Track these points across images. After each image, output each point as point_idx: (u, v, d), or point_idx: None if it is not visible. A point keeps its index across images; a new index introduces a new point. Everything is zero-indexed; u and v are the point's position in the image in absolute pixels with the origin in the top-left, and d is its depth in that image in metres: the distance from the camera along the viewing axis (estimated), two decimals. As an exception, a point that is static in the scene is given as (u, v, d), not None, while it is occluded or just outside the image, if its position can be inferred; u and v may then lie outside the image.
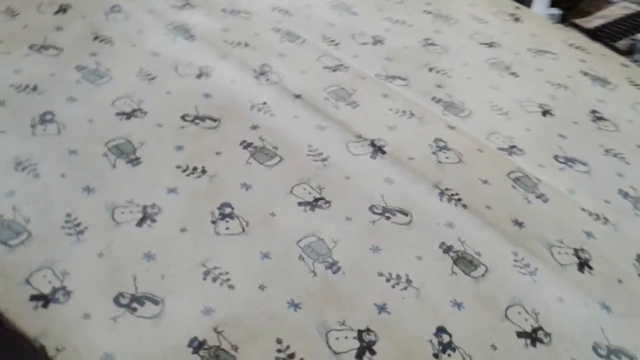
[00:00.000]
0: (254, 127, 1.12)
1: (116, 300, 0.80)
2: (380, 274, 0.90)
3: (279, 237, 0.92)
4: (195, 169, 1.01)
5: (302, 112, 1.17)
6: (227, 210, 0.95)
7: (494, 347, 0.84)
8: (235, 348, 0.77)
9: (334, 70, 1.32)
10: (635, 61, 1.66)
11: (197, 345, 0.77)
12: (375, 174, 1.06)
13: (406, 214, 1.00)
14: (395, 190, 1.04)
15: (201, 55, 1.29)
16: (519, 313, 0.89)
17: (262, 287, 0.85)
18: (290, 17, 1.50)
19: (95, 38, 1.29)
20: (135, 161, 1.00)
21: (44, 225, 0.87)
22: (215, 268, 0.86)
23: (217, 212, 0.94)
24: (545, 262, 0.97)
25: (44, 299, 0.78)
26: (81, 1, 1.40)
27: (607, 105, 1.37)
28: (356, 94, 1.25)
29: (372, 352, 0.80)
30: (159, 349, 0.76)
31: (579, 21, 1.90)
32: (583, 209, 1.07)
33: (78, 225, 0.88)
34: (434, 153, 1.13)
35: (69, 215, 0.89)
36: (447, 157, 1.13)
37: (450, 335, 0.84)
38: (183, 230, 0.90)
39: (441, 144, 1.16)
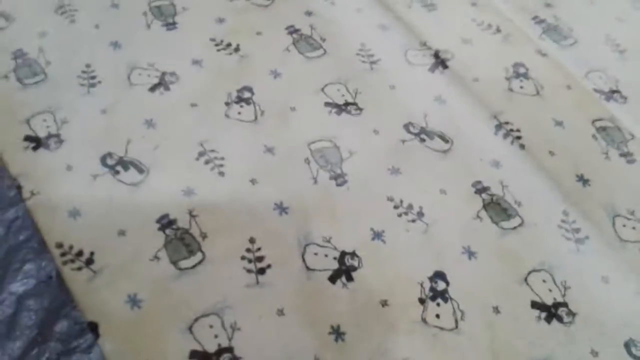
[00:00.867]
0: (308, 13, 0.99)
1: (102, 160, 0.76)
2: (390, 199, 0.78)
3: (291, 133, 0.83)
4: (229, 45, 0.92)
5: (367, 6, 1.02)
6: (246, 95, 0.86)
7: (496, 310, 0.71)
8: (204, 236, 0.71)
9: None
10: None
11: (166, 222, 0.72)
12: (426, 89, 0.91)
13: (447, 141, 0.85)
14: (444, 112, 0.88)
15: None
16: (544, 281, 0.74)
17: (253, 181, 0.77)
18: None
19: None
20: (171, 25, 0.94)
21: (61, 70, 0.85)
22: (212, 151, 0.79)
23: (234, 94, 0.86)
24: (602, 232, 0.79)
25: (36, 142, 0.77)
26: None
27: None
28: (439, -5, 1.07)
29: (349, 278, 0.70)
30: (125, 215, 0.72)
31: None
32: (678, 182, 0.85)
33: (93, 77, 0.85)
34: (507, 79, 0.95)
35: (88, 66, 0.86)
36: (522, 87, 0.94)
37: (447, 284, 0.72)
38: (193, 105, 0.84)
39: (521, 69, 0.96)
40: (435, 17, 1.02)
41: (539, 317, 0.71)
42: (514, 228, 0.78)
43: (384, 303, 0.69)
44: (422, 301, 0.70)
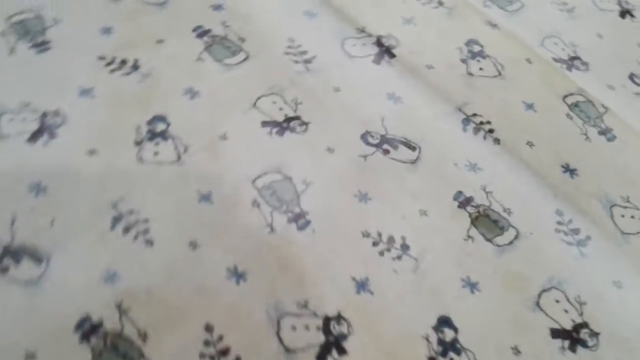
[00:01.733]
0: (217, 8, 0.80)
1: (-21, 254, 0.55)
2: (366, 234, 0.63)
3: (227, 170, 0.65)
4: (124, 62, 0.72)
5: (287, -9, 0.85)
6: (160, 127, 0.67)
7: (516, 351, 0.59)
8: (144, 336, 0.53)
9: None
10: None
11: (88, 328, 0.53)
12: (376, 86, 0.76)
13: (413, 148, 0.71)
14: (402, 111, 0.74)
15: None
16: (557, 301, 0.63)
17: (193, 245, 0.59)
18: None
19: None
20: (42, 46, 0.71)
21: None
22: (131, 213, 0.60)
23: (144, 129, 0.66)
24: (602, 228, 0.69)
25: None
26: None
27: None
28: (366, -31, 0.91)
29: (342, 352, 0.56)
30: (29, 330, 0.52)
31: None
32: (663, 154, 0.78)
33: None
34: (463, 61, 0.82)
35: None
36: (481, 68, 0.82)
37: (455, 331, 0.59)
38: (92, 152, 0.63)
39: (476, 47, 0.84)
40: (368, -5, 0.87)
41: (563, 348, 0.60)
42: (511, 243, 0.66)
43: (389, 374, 0.56)
44: (432, 360, 0.57)
